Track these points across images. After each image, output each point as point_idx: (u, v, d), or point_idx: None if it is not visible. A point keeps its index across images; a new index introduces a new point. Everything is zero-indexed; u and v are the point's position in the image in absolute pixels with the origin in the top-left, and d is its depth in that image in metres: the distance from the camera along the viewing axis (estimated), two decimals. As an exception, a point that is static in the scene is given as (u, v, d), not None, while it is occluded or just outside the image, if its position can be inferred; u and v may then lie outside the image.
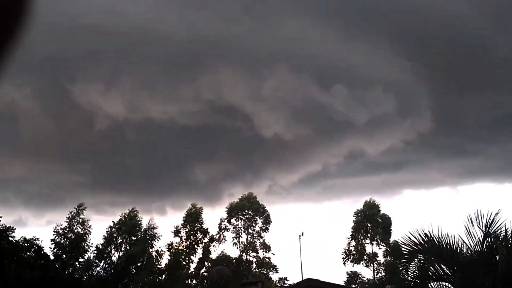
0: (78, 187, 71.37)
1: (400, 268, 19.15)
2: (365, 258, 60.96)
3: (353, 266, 61.44)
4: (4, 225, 52.44)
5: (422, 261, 16.63)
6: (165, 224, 68.75)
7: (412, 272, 17.04)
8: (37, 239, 53.91)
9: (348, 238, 62.23)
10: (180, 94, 76.94)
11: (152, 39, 73.17)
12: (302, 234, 60.54)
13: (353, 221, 62.54)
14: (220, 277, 59.63)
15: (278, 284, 60.79)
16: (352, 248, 61.67)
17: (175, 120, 76.03)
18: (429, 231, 15.98)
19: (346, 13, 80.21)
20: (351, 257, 61.26)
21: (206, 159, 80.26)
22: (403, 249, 16.92)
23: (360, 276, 61.58)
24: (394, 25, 79.90)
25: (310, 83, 76.11)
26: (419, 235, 16.12)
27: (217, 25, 75.79)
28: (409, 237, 16.32)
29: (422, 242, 16.11)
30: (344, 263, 61.28)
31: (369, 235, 61.51)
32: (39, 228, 62.85)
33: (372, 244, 61.22)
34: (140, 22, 71.79)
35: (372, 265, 60.59)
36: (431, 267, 16.34)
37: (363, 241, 61.70)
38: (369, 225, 61.68)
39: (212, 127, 78.15)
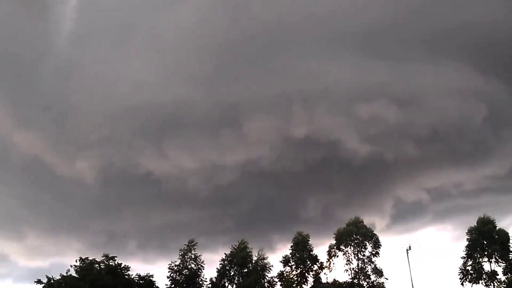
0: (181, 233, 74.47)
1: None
2: (484, 277, 58.35)
3: (471, 286, 58.89)
4: (119, 264, 53.70)
5: None
6: (276, 257, 69.81)
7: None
8: (152, 276, 54.97)
9: (463, 258, 59.88)
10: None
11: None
12: (410, 248, 59.41)
13: (467, 239, 60.22)
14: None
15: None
16: (469, 268, 59.25)
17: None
18: None
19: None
20: (469, 277, 58.81)
21: (306, 194, 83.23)
22: None
23: (481, 296, 58.93)
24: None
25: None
26: None
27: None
28: None
29: None
30: (462, 284, 58.75)
31: (486, 252, 59.07)
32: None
33: (490, 262, 58.62)
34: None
35: (492, 284, 57.88)
36: None
37: (480, 259, 59.28)
38: (485, 242, 59.27)
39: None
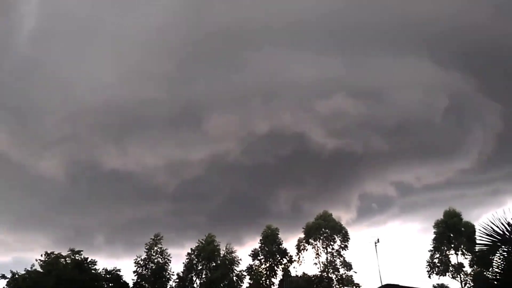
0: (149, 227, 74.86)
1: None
2: (451, 269, 58.89)
3: (438, 278, 59.44)
4: (85, 258, 53.53)
5: (506, 252, 15.11)
6: (244, 250, 69.96)
7: (496, 265, 15.53)
8: (119, 270, 54.87)
9: (431, 251, 60.37)
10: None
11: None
12: (378, 241, 60.00)
13: (434, 232, 60.71)
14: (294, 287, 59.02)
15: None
16: (436, 260, 59.70)
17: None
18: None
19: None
20: (436, 269, 59.28)
21: (274, 188, 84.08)
22: (484, 239, 15.35)
23: (448, 288, 59.47)
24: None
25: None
26: (502, 224, 14.74)
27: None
28: (490, 227, 14.99)
29: (507, 232, 14.65)
30: (429, 276, 59.29)
31: (452, 245, 59.58)
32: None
33: (457, 254, 59.18)
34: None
35: (458, 276, 58.44)
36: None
37: (447, 252, 59.78)
38: (451, 235, 59.77)
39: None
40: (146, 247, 56.40)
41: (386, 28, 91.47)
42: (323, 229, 61.13)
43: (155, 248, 56.45)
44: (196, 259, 57.74)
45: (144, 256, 56.09)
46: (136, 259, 55.91)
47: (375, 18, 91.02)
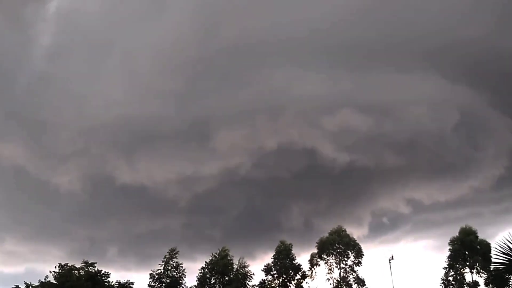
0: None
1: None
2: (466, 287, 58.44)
3: (453, 297, 58.89)
4: (99, 270, 53.31)
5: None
6: (257, 265, 69.35)
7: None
8: (132, 283, 54.55)
9: (445, 268, 59.91)
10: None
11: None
12: (392, 258, 59.54)
13: (449, 249, 60.35)
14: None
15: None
16: (451, 278, 59.23)
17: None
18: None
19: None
20: (450, 287, 58.79)
21: (286, 203, 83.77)
22: (500, 258, 15.20)
23: (462, 307, 58.84)
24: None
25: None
26: None
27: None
28: (507, 245, 14.82)
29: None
30: (443, 294, 58.81)
31: (467, 263, 59.13)
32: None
33: (472, 272, 58.75)
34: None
35: (474, 294, 57.96)
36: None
37: (462, 270, 59.30)
38: (466, 252, 59.37)
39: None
40: (163, 260, 56.07)
41: (393, 43, 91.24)
42: (336, 245, 60.84)
43: (171, 262, 56.15)
44: (209, 273, 57.34)
45: (160, 269, 55.78)
46: (152, 272, 55.60)
47: (381, 32, 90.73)
